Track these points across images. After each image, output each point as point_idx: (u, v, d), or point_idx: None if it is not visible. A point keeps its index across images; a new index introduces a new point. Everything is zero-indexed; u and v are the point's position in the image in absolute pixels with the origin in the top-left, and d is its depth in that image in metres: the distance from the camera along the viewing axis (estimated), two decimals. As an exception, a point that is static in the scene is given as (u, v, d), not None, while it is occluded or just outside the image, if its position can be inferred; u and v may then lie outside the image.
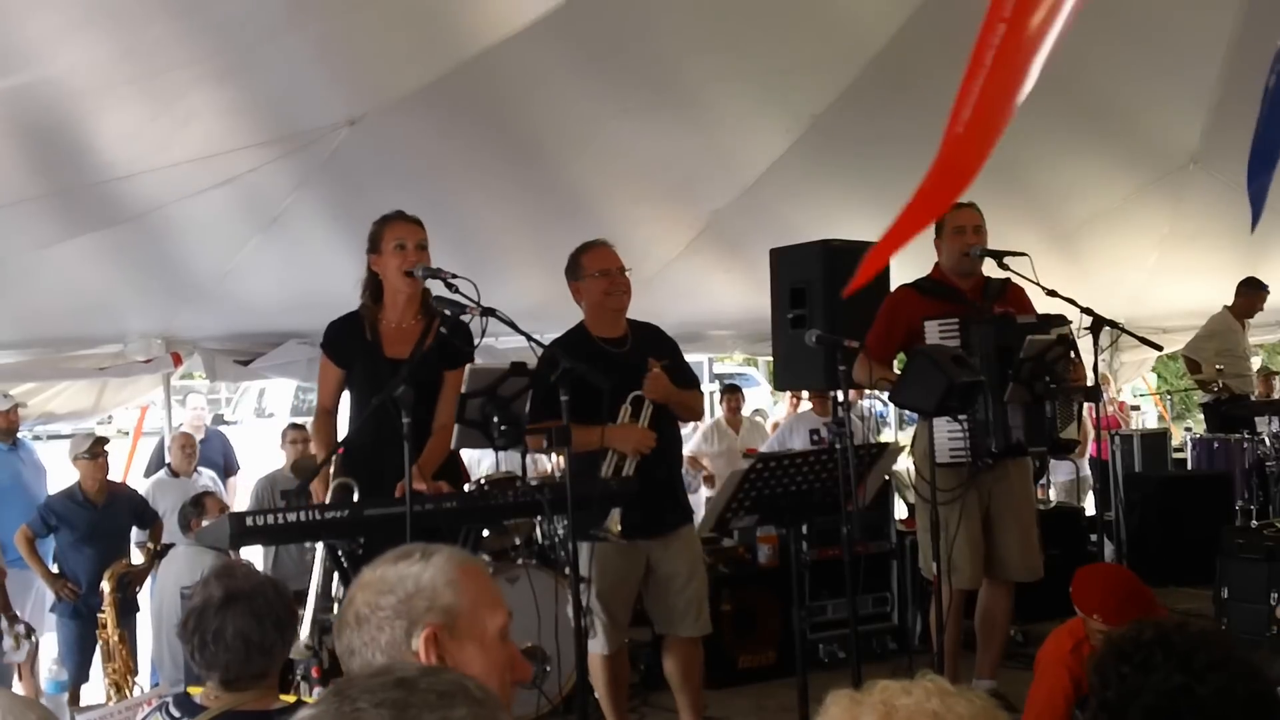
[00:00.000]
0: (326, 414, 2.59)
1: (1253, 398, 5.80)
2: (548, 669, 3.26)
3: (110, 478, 4.30)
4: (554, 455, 2.58)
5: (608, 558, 2.71)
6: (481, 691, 0.68)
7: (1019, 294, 3.21)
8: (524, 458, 3.39)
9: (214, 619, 1.47)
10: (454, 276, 2.32)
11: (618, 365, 2.69)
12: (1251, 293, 5.69)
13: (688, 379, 2.87)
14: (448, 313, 2.34)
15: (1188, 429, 7.45)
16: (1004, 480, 3.12)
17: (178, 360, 4.54)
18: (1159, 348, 4.64)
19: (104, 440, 4.24)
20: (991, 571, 3.15)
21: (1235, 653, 1.12)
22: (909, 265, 3.73)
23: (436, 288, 2.40)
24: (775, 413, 7.67)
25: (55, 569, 4.14)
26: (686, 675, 2.82)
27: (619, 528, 2.57)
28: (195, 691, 1.54)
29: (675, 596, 2.75)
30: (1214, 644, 1.11)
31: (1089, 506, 5.34)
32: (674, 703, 3.39)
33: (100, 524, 4.12)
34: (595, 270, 2.77)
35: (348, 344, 2.53)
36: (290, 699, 1.56)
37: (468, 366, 2.41)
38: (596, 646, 2.74)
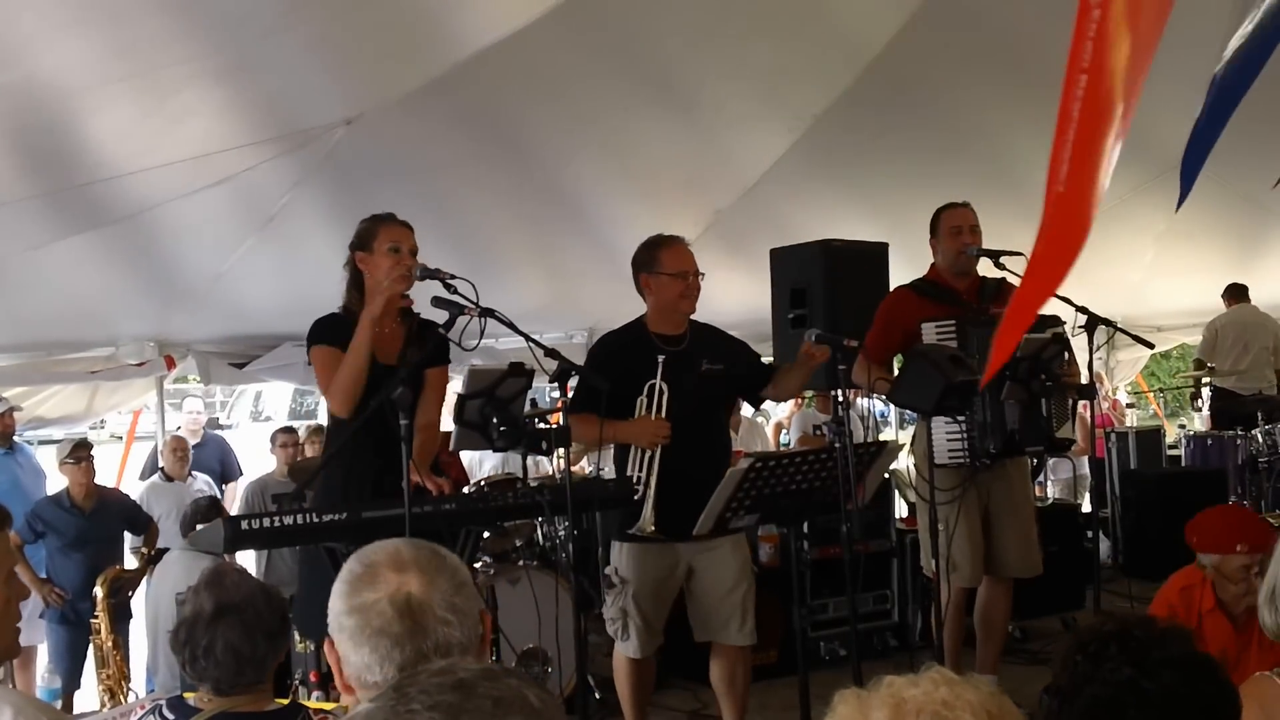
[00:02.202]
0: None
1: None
2: (548, 670, 3.26)
3: (103, 482, 4.26)
4: (556, 456, 2.55)
5: (645, 559, 2.66)
6: (541, 701, 0.67)
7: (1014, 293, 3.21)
8: (524, 459, 3.38)
9: (204, 633, 1.47)
10: (452, 277, 2.29)
11: (673, 363, 2.64)
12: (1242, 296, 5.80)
13: (758, 371, 2.80)
14: (445, 315, 2.32)
15: (1181, 426, 7.50)
16: (1003, 478, 3.13)
17: (171, 363, 4.51)
18: (1151, 345, 4.68)
19: (87, 445, 4.19)
20: (991, 569, 3.15)
21: (1193, 652, 1.10)
22: (908, 266, 3.74)
23: (434, 288, 2.37)
24: (777, 412, 7.68)
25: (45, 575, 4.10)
26: (731, 682, 2.74)
27: (652, 527, 2.53)
28: (190, 695, 1.53)
29: (717, 604, 2.69)
30: (1172, 642, 1.10)
31: (1087, 504, 5.36)
32: (677, 702, 3.39)
33: (88, 530, 4.08)
34: (674, 270, 2.70)
35: (342, 338, 2.42)
36: (284, 701, 1.55)
37: (467, 368, 2.39)
38: (627, 650, 2.69)
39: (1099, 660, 1.09)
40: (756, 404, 3.04)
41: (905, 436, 5.07)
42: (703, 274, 2.75)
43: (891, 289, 3.46)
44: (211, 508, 3.86)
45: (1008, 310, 1.14)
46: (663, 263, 2.72)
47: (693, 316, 2.78)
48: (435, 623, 1.05)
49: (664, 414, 2.59)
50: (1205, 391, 5.94)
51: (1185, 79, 4.40)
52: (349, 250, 2.46)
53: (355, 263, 2.44)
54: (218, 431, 6.52)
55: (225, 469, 5.34)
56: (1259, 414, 5.19)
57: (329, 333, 2.45)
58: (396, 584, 1.06)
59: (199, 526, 3.79)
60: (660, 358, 2.61)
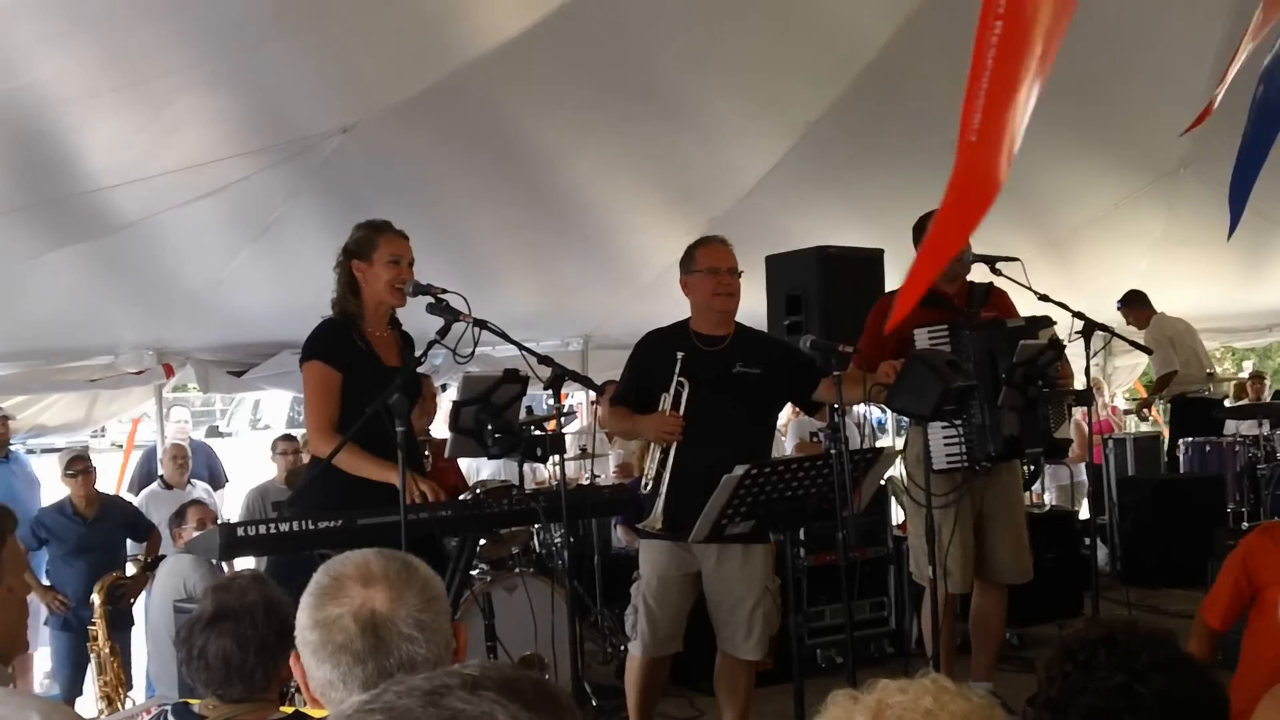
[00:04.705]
0: (333, 431, 2.33)
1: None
2: (545, 676, 3.25)
3: (105, 490, 4.28)
4: (552, 463, 2.56)
5: (657, 556, 2.65)
6: (535, 691, 0.64)
7: (1003, 298, 3.23)
8: (521, 466, 3.40)
9: (199, 636, 1.48)
10: (444, 292, 2.29)
11: (704, 362, 2.63)
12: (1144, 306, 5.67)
13: (804, 377, 2.73)
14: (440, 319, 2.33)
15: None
16: (995, 483, 3.13)
17: (170, 371, 4.53)
18: (1149, 351, 4.67)
19: (84, 457, 4.22)
20: (984, 574, 3.15)
21: (1181, 655, 1.11)
22: (904, 272, 3.75)
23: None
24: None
25: (48, 583, 4.11)
26: (733, 690, 2.73)
27: (660, 524, 2.53)
28: (194, 702, 1.53)
29: (726, 615, 2.67)
30: (1159, 645, 1.10)
31: (1084, 511, 5.35)
32: (673, 707, 3.39)
33: (89, 538, 4.10)
34: (705, 267, 2.69)
35: (344, 349, 2.42)
36: (288, 710, 1.55)
37: (462, 374, 2.41)
38: (633, 647, 2.71)
39: (1090, 669, 1.09)
40: (809, 410, 3.01)
41: (902, 443, 5.07)
42: (741, 271, 2.73)
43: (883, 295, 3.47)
44: (177, 515, 3.88)
45: (915, 260, 1.13)
46: (696, 260, 2.72)
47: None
48: (399, 640, 1.02)
49: (682, 411, 2.56)
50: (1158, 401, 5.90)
51: (1178, 86, 4.44)
52: (343, 255, 2.44)
53: (351, 269, 2.44)
54: (214, 439, 6.54)
55: (212, 476, 5.36)
56: (1258, 420, 5.19)
57: (324, 346, 2.42)
58: (361, 599, 1.04)
59: (175, 533, 3.82)
60: (679, 354, 2.59)
